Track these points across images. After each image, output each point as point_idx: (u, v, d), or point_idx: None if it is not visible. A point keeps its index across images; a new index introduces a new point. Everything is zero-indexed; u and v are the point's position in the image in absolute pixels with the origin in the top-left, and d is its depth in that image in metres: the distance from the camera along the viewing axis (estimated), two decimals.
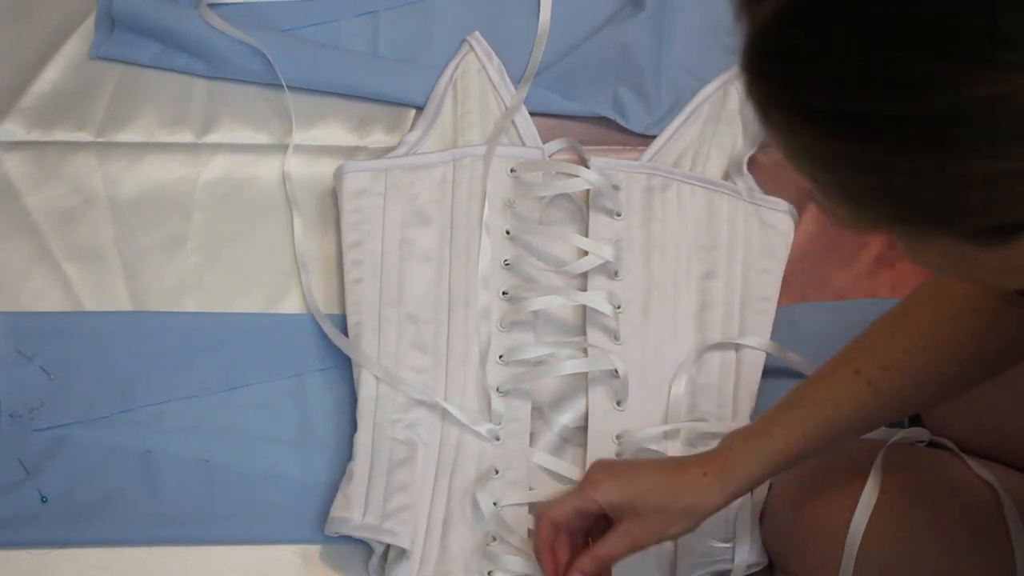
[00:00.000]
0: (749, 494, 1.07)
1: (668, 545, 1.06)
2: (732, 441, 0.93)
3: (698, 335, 1.16)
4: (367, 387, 1.09)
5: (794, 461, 0.92)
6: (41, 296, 1.16)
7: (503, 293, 1.15)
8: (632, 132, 1.27)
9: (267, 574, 1.06)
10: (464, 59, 1.27)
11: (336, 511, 1.04)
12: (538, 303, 1.13)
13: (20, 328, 1.14)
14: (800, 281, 1.21)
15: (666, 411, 1.11)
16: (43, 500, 1.07)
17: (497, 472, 1.07)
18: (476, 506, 1.06)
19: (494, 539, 1.04)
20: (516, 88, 1.26)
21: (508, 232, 1.18)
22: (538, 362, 1.12)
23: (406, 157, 1.20)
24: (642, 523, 0.92)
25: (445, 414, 1.10)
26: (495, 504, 1.06)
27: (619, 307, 1.15)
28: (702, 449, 1.09)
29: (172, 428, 1.11)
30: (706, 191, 1.21)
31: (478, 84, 1.26)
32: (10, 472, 1.08)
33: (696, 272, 1.18)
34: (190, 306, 1.17)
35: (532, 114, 1.26)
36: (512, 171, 1.20)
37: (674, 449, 1.09)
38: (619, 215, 1.19)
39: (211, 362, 1.14)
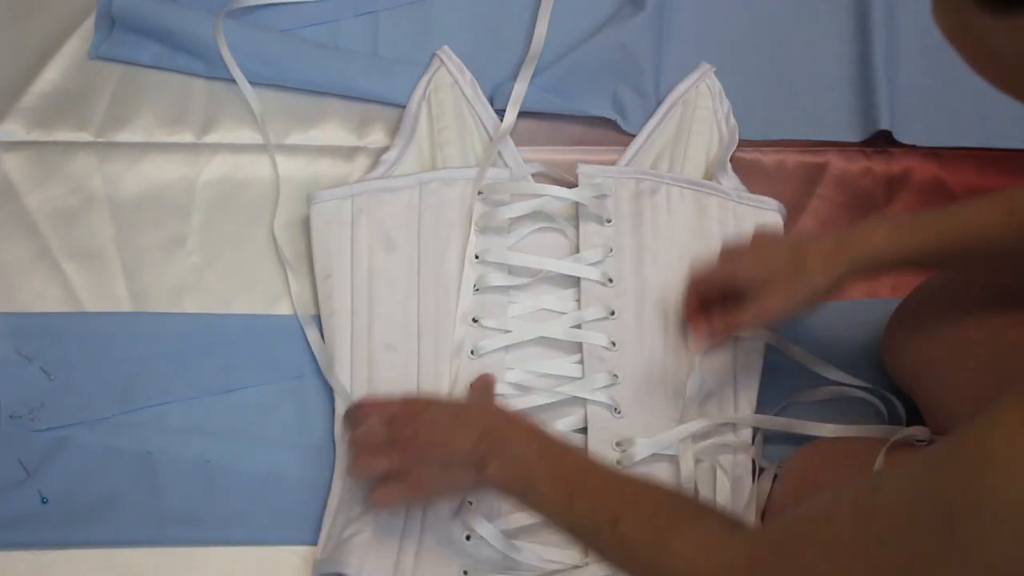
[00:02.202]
0: (755, 491, 1.07)
1: None
2: (865, 223, 1.01)
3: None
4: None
5: (925, 258, 0.98)
6: (41, 296, 1.17)
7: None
8: (630, 133, 1.27)
9: (267, 575, 1.06)
10: (436, 74, 1.25)
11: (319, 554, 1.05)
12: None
13: (20, 328, 1.14)
14: None
15: (665, 414, 1.11)
16: (43, 501, 1.07)
17: (471, 503, 1.05)
18: (450, 538, 1.04)
19: (465, 574, 1.03)
20: (491, 106, 1.24)
21: (477, 256, 1.17)
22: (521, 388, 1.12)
23: (373, 181, 1.18)
24: (773, 294, 1.01)
25: None
26: (467, 537, 1.04)
27: (613, 313, 1.15)
28: (703, 444, 1.09)
29: (172, 429, 1.11)
30: (694, 193, 1.21)
31: (452, 99, 1.23)
32: (10, 473, 1.08)
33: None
34: (190, 306, 1.17)
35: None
36: (480, 193, 1.18)
37: (684, 449, 1.09)
38: (609, 222, 1.18)
39: (211, 363, 1.14)
